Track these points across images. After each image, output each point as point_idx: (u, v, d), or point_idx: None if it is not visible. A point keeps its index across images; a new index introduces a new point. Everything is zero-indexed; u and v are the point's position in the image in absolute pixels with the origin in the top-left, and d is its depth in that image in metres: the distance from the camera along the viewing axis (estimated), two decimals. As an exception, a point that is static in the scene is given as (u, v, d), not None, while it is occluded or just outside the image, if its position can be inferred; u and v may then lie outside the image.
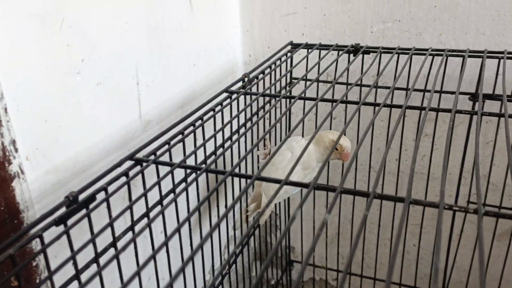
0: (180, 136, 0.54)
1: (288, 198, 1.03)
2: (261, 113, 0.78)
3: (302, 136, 0.80)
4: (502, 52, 0.76)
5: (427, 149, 0.93)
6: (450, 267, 0.97)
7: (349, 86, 0.69)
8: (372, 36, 0.89)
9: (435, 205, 0.38)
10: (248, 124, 0.74)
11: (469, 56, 0.76)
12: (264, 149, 0.85)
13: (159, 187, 0.51)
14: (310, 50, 0.85)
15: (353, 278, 1.04)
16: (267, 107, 0.79)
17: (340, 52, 0.82)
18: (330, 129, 0.92)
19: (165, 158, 0.52)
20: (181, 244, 0.57)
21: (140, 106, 0.66)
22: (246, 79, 0.72)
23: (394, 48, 0.81)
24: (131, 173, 0.47)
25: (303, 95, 0.66)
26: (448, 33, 0.84)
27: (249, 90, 0.71)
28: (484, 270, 0.30)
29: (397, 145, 0.94)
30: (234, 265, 0.93)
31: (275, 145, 0.82)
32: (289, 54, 0.86)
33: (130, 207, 0.46)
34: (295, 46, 0.89)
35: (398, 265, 1.02)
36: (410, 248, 1.05)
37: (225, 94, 0.68)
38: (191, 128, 0.57)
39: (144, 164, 0.47)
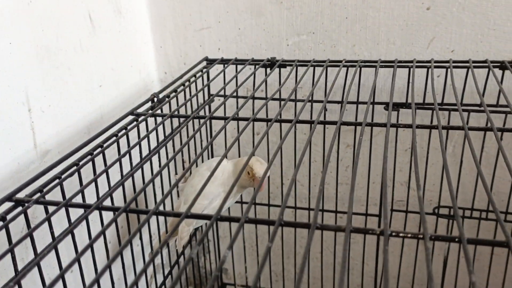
0: (74, 168, 0.49)
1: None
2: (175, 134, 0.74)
3: (226, 157, 0.77)
4: (411, 61, 0.77)
5: (349, 160, 0.94)
6: (380, 274, 0.98)
7: (266, 101, 0.66)
8: (288, 49, 0.88)
9: (342, 229, 0.36)
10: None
11: (381, 66, 0.77)
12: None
13: (51, 229, 0.46)
14: (226, 65, 0.82)
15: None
16: (185, 127, 0.75)
17: (257, 66, 0.80)
18: (253, 146, 0.89)
19: (57, 195, 0.47)
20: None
21: (34, 135, 0.59)
22: (155, 99, 0.68)
23: (309, 61, 0.81)
24: (17, 215, 0.41)
25: (215, 115, 0.62)
26: (361, 44, 0.85)
27: (159, 111, 0.66)
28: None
29: (320, 157, 0.94)
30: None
31: (197, 167, 0.78)
32: (204, 70, 0.83)
33: (11, 252, 0.40)
34: (210, 62, 0.86)
35: (330, 277, 1.01)
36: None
37: (131, 117, 0.63)
38: (89, 157, 0.51)
39: (26, 204, 0.41)
